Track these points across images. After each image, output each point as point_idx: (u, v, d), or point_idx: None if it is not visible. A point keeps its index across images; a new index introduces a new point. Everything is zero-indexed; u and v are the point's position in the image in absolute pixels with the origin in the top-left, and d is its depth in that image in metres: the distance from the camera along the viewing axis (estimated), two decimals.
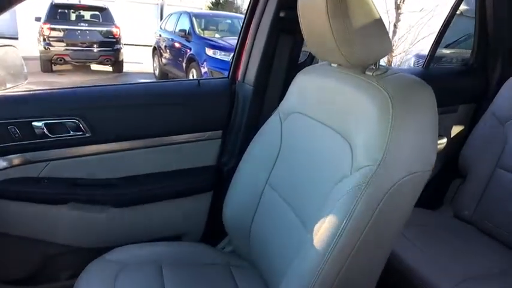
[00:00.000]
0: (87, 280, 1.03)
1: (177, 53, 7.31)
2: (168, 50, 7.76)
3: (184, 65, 6.85)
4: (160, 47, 8.16)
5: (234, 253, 1.28)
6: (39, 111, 1.19)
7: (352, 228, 0.77)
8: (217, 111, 1.40)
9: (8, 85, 1.37)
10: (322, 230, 0.80)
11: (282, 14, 1.26)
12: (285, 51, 1.35)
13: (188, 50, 6.74)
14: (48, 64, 7.77)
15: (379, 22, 0.83)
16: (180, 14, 7.74)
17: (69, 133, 1.23)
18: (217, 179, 1.42)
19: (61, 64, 7.91)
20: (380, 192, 0.77)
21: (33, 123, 1.18)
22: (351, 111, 0.86)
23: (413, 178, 0.79)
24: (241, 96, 1.41)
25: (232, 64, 1.45)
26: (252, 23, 1.36)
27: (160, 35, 8.26)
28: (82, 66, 8.39)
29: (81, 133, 1.23)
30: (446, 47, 4.27)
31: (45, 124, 1.19)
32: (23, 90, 1.26)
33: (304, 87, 1.07)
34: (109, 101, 1.29)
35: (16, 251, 1.25)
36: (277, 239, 1.04)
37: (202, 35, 6.93)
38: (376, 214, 0.78)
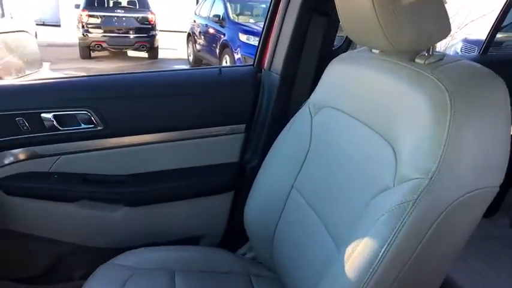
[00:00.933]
0: (93, 285, 0.94)
1: (210, 39, 7.22)
2: (202, 36, 7.70)
3: (217, 51, 6.76)
4: (194, 33, 8.12)
5: (255, 261, 1.16)
6: (48, 102, 1.10)
7: (394, 257, 0.62)
8: (240, 103, 1.27)
9: (23, 73, 1.30)
10: (357, 254, 0.65)
11: None
12: (317, 35, 1.18)
13: (222, 36, 6.64)
14: (87, 50, 7.93)
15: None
16: None
17: (80, 126, 1.13)
18: (239, 178, 1.29)
19: (99, 50, 8.06)
20: (432, 213, 0.62)
21: (42, 115, 1.09)
22: (397, 108, 0.70)
23: (477, 196, 0.63)
24: (267, 87, 1.26)
25: (258, 50, 1.31)
26: (281, 2, 1.20)
27: (194, 21, 8.22)
28: (119, 53, 8.50)
29: (92, 126, 1.14)
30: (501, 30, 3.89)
31: (55, 116, 1.10)
32: (33, 79, 1.18)
33: (338, 77, 0.91)
34: (122, 91, 1.18)
35: (27, 249, 1.18)
36: (303, 250, 0.91)
37: (236, 20, 6.79)
38: (426, 240, 0.62)
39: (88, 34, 7.74)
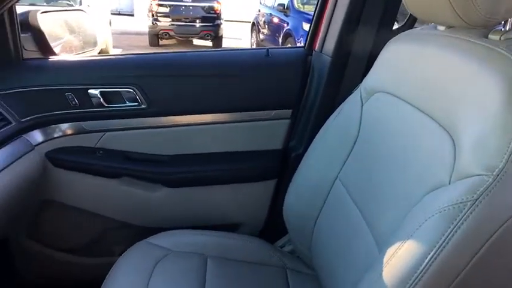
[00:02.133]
0: (126, 262, 0.95)
1: (274, 29, 7.17)
2: (266, 26, 7.68)
3: (280, 40, 6.69)
4: (258, 23, 8.13)
5: (294, 255, 1.10)
6: (95, 78, 1.12)
7: (444, 265, 0.53)
8: (287, 87, 1.20)
9: (81, 51, 1.33)
10: (398, 259, 0.57)
11: None
12: (374, 12, 1.07)
13: (285, 25, 6.55)
14: (155, 38, 8.25)
15: None
16: None
17: (125, 103, 1.14)
18: (282, 165, 1.23)
19: (166, 39, 8.36)
20: (495, 219, 0.51)
21: (90, 91, 1.11)
22: (463, 91, 0.60)
23: None
24: (317, 70, 1.18)
25: (310, 31, 1.22)
26: None
27: (259, 10, 8.21)
28: (185, 41, 8.74)
29: (136, 104, 1.14)
30: None
31: (101, 92, 1.11)
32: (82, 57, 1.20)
33: (395, 58, 0.81)
34: (167, 70, 1.16)
35: (72, 221, 1.22)
36: (342, 248, 0.83)
37: (301, 9, 6.65)
38: (484, 253, 0.52)
39: (157, 23, 8.05)
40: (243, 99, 1.18)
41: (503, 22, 0.62)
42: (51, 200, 1.17)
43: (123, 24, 10.25)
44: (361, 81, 0.91)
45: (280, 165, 1.23)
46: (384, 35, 1.04)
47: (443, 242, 0.52)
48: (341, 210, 0.87)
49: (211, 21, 8.13)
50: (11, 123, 1.02)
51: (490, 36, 0.61)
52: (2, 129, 0.98)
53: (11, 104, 1.04)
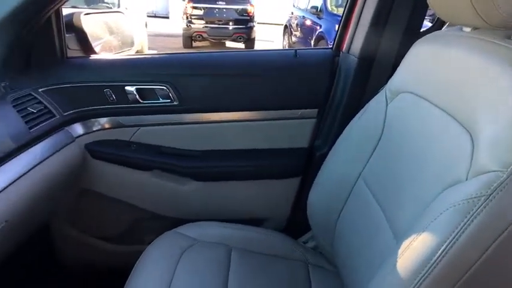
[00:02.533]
0: (154, 250, 1.01)
1: (306, 31, 7.17)
2: (298, 28, 7.68)
3: (312, 43, 6.68)
4: (291, 25, 8.15)
5: (316, 251, 1.12)
6: (132, 75, 1.18)
7: (456, 257, 0.54)
8: (314, 87, 1.22)
9: (119, 51, 1.41)
10: (412, 250, 0.59)
11: None
12: (402, 14, 1.08)
13: (318, 28, 6.54)
14: (189, 40, 8.42)
15: None
16: None
17: (159, 100, 1.20)
18: (307, 164, 1.25)
19: (200, 41, 8.51)
20: (509, 212, 0.53)
21: (126, 88, 1.18)
22: (485, 91, 0.61)
23: None
24: (344, 70, 1.20)
25: (338, 32, 1.24)
26: None
27: (292, 13, 8.23)
28: (218, 43, 8.87)
29: (169, 101, 1.20)
30: None
31: (137, 89, 1.18)
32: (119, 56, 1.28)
33: (421, 59, 0.83)
34: (199, 69, 1.22)
35: (107, 211, 1.29)
36: (363, 244, 0.85)
37: (334, 12, 6.62)
38: (495, 248, 0.53)
39: (191, 25, 8.22)
40: (271, 98, 1.22)
41: None
42: (89, 190, 1.24)
43: (159, 26, 10.52)
44: (387, 81, 0.93)
45: (305, 163, 1.26)
46: (410, 36, 1.05)
47: (456, 234, 0.54)
48: (363, 207, 0.89)
49: (244, 23, 8.22)
50: (55, 116, 1.10)
51: None
52: (47, 122, 1.06)
53: (56, 98, 1.12)
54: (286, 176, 1.27)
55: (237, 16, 8.27)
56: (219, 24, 8.25)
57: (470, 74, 0.65)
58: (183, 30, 8.34)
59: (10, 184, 0.87)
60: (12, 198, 0.87)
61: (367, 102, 0.98)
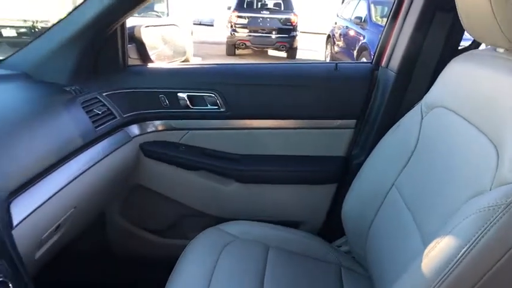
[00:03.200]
0: (198, 244, 1.10)
1: (349, 41, 7.17)
2: (341, 38, 7.69)
3: (355, 53, 6.67)
4: (334, 35, 8.16)
5: (349, 254, 1.18)
6: (184, 83, 1.30)
7: (475, 260, 0.59)
8: (353, 99, 1.29)
9: (171, 60, 1.54)
10: (438, 250, 0.64)
11: None
12: (440, 33, 1.13)
13: (361, 38, 6.53)
14: (232, 48, 8.64)
15: None
16: (359, 0, 7.52)
17: (207, 106, 1.31)
18: (343, 171, 1.32)
19: (243, 48, 8.71)
20: None
21: (178, 94, 1.29)
22: (505, 107, 0.66)
23: None
24: (382, 84, 1.26)
25: (378, 47, 1.30)
26: (405, 1, 1.18)
27: (336, 23, 8.25)
28: (260, 51, 9.03)
29: (216, 107, 1.30)
30: None
31: (188, 96, 1.30)
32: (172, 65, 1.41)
33: (456, 76, 0.88)
34: (244, 79, 1.31)
35: (157, 206, 1.41)
36: (393, 249, 0.90)
37: (378, 23, 6.58)
38: (510, 255, 0.58)
39: (235, 33, 8.42)
40: (311, 108, 1.29)
41: None
42: (140, 185, 1.37)
43: (203, 33, 10.85)
44: (423, 96, 0.98)
45: (342, 171, 1.32)
46: (448, 53, 1.09)
47: (477, 238, 0.59)
48: (395, 214, 0.94)
49: (287, 32, 8.33)
50: (116, 117, 1.23)
51: None
52: (109, 122, 1.19)
53: (117, 102, 1.26)
54: (322, 182, 1.34)
55: (280, 25, 8.39)
56: (262, 33, 8.41)
57: (500, 93, 0.70)
58: (227, 38, 8.56)
59: (79, 175, 0.99)
60: (80, 187, 1.00)
61: (403, 115, 1.03)
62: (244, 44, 8.48)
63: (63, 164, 0.97)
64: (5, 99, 1.03)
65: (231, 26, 8.47)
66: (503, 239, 0.58)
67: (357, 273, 1.10)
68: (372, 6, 6.86)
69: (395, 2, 1.24)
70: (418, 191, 0.87)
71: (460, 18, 0.79)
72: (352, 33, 7.08)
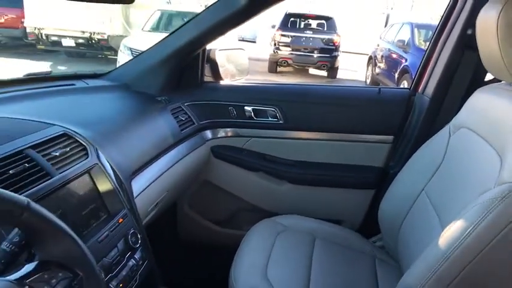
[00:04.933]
0: (257, 232, 1.34)
1: (391, 64, 7.28)
2: (383, 60, 7.80)
3: (396, 76, 6.78)
4: (376, 57, 8.28)
5: (383, 249, 1.38)
6: (250, 98, 1.58)
7: (475, 239, 0.80)
8: (392, 119, 1.52)
9: (235, 78, 1.83)
10: (450, 232, 0.86)
11: (469, 32, 1.28)
12: (468, 67, 1.35)
13: (403, 61, 6.64)
14: (274, 66, 8.92)
15: None
16: (402, 24, 7.66)
17: (268, 118, 1.57)
18: (381, 179, 1.54)
19: (284, 66, 8.98)
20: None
21: (245, 107, 1.57)
22: (510, 128, 0.88)
23: None
24: (418, 108, 1.48)
25: (416, 76, 1.53)
26: (441, 38, 1.42)
27: (378, 45, 8.38)
28: (301, 70, 9.29)
29: (276, 120, 1.57)
30: None
31: (253, 109, 1.57)
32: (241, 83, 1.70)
33: (477, 104, 1.09)
34: (300, 97, 1.58)
35: (219, 199, 1.68)
36: (420, 242, 1.11)
37: (421, 47, 6.69)
38: (504, 233, 0.79)
39: (278, 51, 8.71)
40: (356, 124, 1.54)
41: None
42: (208, 181, 1.64)
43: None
44: (451, 119, 1.20)
45: (379, 179, 1.54)
46: (474, 84, 1.30)
47: (478, 223, 0.80)
48: (423, 214, 1.15)
49: (329, 52, 8.52)
50: (194, 123, 1.52)
51: None
52: (190, 127, 1.48)
53: (195, 111, 1.55)
54: (363, 187, 1.57)
55: (322, 45, 8.59)
56: (304, 52, 8.63)
57: (508, 118, 0.91)
58: (270, 55, 8.83)
59: (171, 166, 1.28)
60: (170, 176, 1.28)
61: (435, 133, 1.25)
62: (286, 61, 8.73)
63: (161, 157, 1.26)
64: (115, 103, 1.35)
65: (275, 44, 8.75)
66: (498, 223, 0.79)
67: (388, 264, 1.31)
68: (416, 30, 6.99)
69: (432, 39, 1.47)
70: (443, 195, 1.09)
71: (480, 57, 1.02)
72: (394, 55, 7.20)
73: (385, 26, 12.56)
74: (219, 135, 1.60)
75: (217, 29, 1.37)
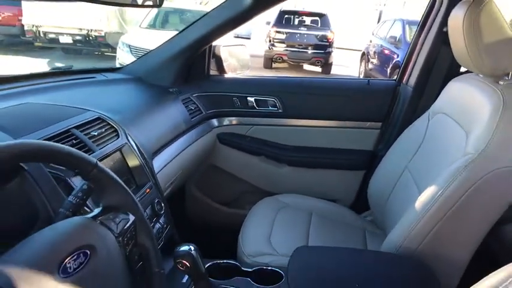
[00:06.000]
0: (260, 208, 1.51)
1: (383, 59, 7.45)
2: (376, 56, 7.96)
3: (389, 71, 6.94)
4: (368, 53, 8.45)
5: (373, 222, 1.56)
6: (252, 90, 1.74)
7: (443, 201, 0.99)
8: (380, 107, 1.70)
9: (237, 71, 2.00)
10: (424, 196, 1.04)
11: (445, 29, 1.45)
12: (445, 61, 1.53)
13: (395, 57, 6.81)
14: (269, 62, 9.04)
15: (511, 38, 0.99)
16: (394, 20, 7.84)
17: (268, 108, 1.74)
18: (371, 161, 1.71)
19: (279, 62, 9.10)
20: (474, 177, 0.96)
21: (248, 98, 1.74)
22: (478, 111, 1.05)
23: (509, 171, 0.95)
24: (402, 97, 1.66)
25: (401, 69, 1.71)
26: (422, 35, 1.59)
27: (371, 41, 8.54)
28: (296, 66, 9.42)
29: (276, 109, 1.74)
30: None
31: (255, 99, 1.74)
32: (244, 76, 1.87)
33: (451, 92, 1.27)
34: (298, 88, 1.75)
35: (224, 182, 1.85)
36: (403, 210, 1.28)
37: None
38: (466, 197, 0.96)
39: (273, 47, 8.84)
40: (347, 112, 1.71)
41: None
42: (214, 165, 1.81)
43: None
44: (430, 106, 1.37)
45: (369, 161, 1.72)
46: (450, 76, 1.48)
47: (446, 187, 0.97)
48: (405, 187, 1.32)
49: (323, 48, 8.67)
50: (202, 113, 1.68)
51: (499, 81, 1.05)
52: (198, 116, 1.64)
53: (202, 101, 1.71)
54: (354, 169, 1.75)
55: (316, 41, 8.72)
56: (299, 48, 8.76)
57: (472, 102, 1.09)
58: (265, 52, 8.94)
59: (183, 149, 1.45)
60: (183, 158, 1.45)
61: (417, 119, 1.42)
62: (281, 58, 8.86)
63: (175, 141, 1.43)
64: (134, 94, 1.51)
65: (269, 41, 8.87)
66: (462, 187, 0.97)
67: (377, 235, 1.48)
68: (407, 26, 7.16)
69: (414, 36, 1.65)
70: (422, 170, 1.26)
71: (452, 51, 1.19)
72: (386, 51, 7.37)
73: (378, 22, 12.75)
74: (224, 123, 1.77)
75: (224, 27, 1.53)
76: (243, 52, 2.06)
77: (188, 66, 1.68)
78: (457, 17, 1.04)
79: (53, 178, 0.80)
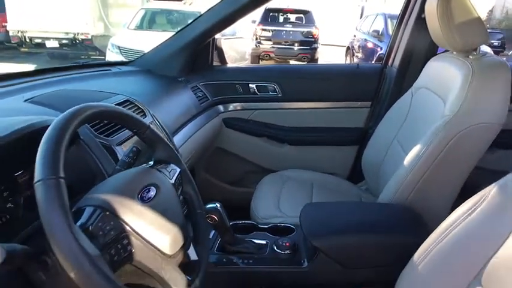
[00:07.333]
0: (267, 182, 1.68)
1: (368, 53, 7.69)
2: (360, 50, 8.21)
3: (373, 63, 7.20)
4: (353, 47, 8.69)
5: (367, 191, 1.75)
6: (253, 77, 1.92)
7: (427, 156, 1.17)
8: (369, 88, 1.89)
9: (237, 62, 2.16)
10: (410, 155, 1.22)
11: (423, 16, 1.65)
12: (424, 43, 1.73)
13: (379, 49, 7.03)
14: (256, 59, 9.11)
15: (476, 20, 1.18)
16: (376, 15, 8.09)
17: (268, 93, 1.92)
18: (363, 137, 1.90)
19: (266, 59, 9.21)
20: (451, 133, 1.14)
21: (250, 85, 1.91)
22: (452, 82, 1.24)
23: (482, 127, 1.13)
24: (389, 77, 1.85)
25: (386, 53, 1.90)
26: (403, 22, 1.79)
27: (355, 36, 8.78)
28: (283, 62, 9.59)
29: (275, 93, 1.91)
30: None
31: (256, 86, 1.91)
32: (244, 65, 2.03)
33: (431, 69, 1.46)
34: (294, 74, 1.94)
35: (231, 163, 2.02)
36: (392, 173, 1.47)
37: None
38: (445, 151, 1.15)
39: (260, 45, 8.97)
40: (340, 94, 1.90)
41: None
42: (220, 148, 1.98)
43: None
44: (413, 83, 1.56)
45: (361, 136, 1.91)
46: (429, 55, 1.67)
47: (428, 145, 1.16)
48: (395, 155, 1.51)
49: (309, 44, 8.84)
50: (209, 99, 1.84)
51: (469, 56, 1.24)
52: (205, 102, 1.81)
53: (208, 89, 1.87)
54: (348, 144, 1.94)
55: (302, 38, 8.89)
56: (285, 45, 8.90)
57: (447, 75, 1.28)
58: (252, 49, 8.97)
59: (195, 132, 1.61)
60: (196, 139, 1.61)
61: (401, 95, 1.61)
62: (268, 55, 8.97)
63: (188, 124, 1.59)
64: (148, 83, 1.67)
65: (256, 39, 8.97)
66: (442, 143, 1.16)
67: (371, 200, 1.66)
68: (389, 20, 7.41)
69: (396, 23, 1.84)
70: (408, 137, 1.44)
71: (430, 34, 1.38)
72: (370, 45, 7.61)
73: (361, 17, 13.03)
74: (229, 109, 1.94)
75: (226, 21, 1.69)
76: (242, 44, 2.24)
77: (194, 58, 1.84)
78: (432, 4, 1.23)
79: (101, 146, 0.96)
